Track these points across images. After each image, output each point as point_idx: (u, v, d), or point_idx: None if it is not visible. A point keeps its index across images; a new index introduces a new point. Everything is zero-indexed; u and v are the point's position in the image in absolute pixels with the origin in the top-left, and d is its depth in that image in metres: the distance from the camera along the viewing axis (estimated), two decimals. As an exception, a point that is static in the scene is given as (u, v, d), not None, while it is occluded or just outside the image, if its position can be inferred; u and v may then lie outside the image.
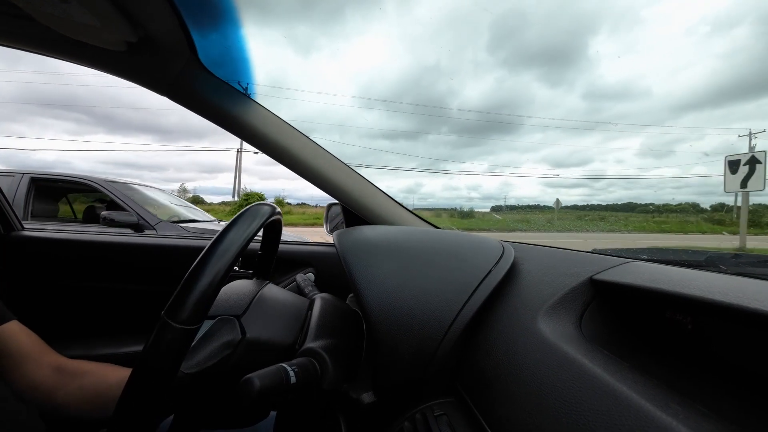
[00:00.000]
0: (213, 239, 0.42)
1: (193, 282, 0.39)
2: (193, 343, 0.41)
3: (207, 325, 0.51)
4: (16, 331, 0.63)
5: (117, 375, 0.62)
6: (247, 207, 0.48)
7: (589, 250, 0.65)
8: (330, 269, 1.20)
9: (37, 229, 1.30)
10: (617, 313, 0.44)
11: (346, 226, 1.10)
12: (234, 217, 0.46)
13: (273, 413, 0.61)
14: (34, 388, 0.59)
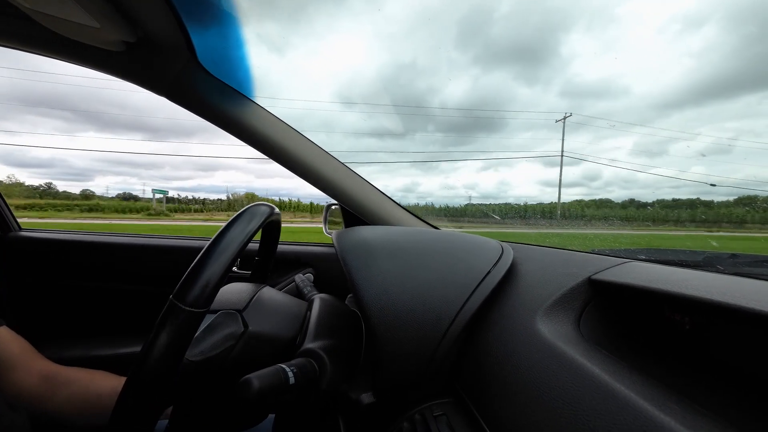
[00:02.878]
0: (216, 234, 0.44)
1: (201, 268, 0.40)
2: (197, 333, 0.41)
3: (209, 319, 0.51)
4: (5, 337, 0.62)
5: (107, 383, 0.61)
6: (248, 206, 0.49)
7: (589, 250, 0.65)
8: (329, 269, 1.20)
9: (34, 230, 1.30)
10: (616, 313, 0.44)
11: (345, 227, 1.10)
12: (236, 215, 0.47)
13: (271, 415, 0.61)
14: (22, 396, 0.58)
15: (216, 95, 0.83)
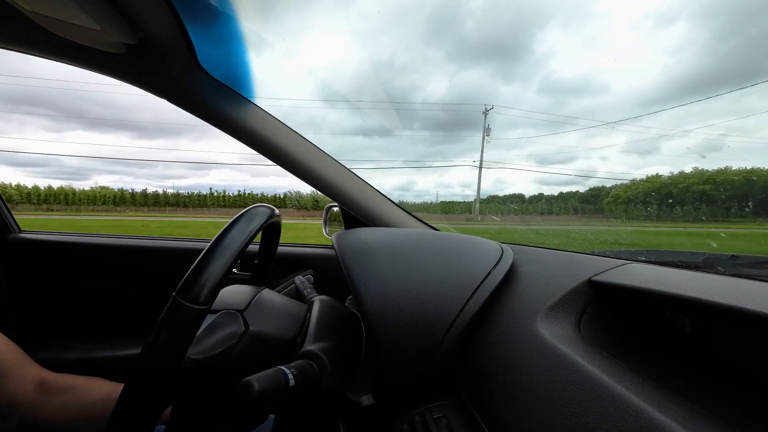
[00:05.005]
0: (217, 234, 0.44)
1: (204, 265, 0.41)
2: (198, 332, 0.42)
3: (210, 318, 0.51)
4: None
5: (102, 390, 0.60)
6: (248, 208, 0.49)
7: (589, 252, 0.65)
8: (329, 271, 1.20)
9: (34, 232, 1.30)
10: (616, 314, 0.44)
11: (345, 228, 1.10)
12: (236, 216, 0.47)
13: (271, 416, 0.61)
14: (15, 404, 0.57)
15: (216, 97, 0.83)
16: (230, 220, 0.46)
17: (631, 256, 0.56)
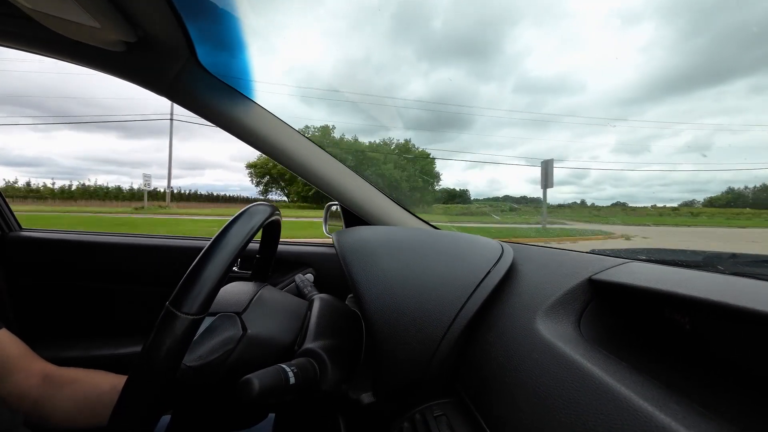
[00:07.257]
0: (215, 235, 0.43)
1: (198, 273, 0.39)
2: (195, 337, 0.42)
3: (208, 321, 0.51)
4: (4, 340, 0.61)
5: (108, 382, 0.61)
6: (248, 207, 0.49)
7: (588, 251, 0.65)
8: (329, 269, 1.20)
9: (35, 230, 1.30)
10: (616, 313, 0.44)
11: (345, 227, 1.10)
12: (235, 215, 0.47)
13: (271, 415, 0.61)
14: (22, 398, 0.58)
15: (216, 95, 0.83)
16: (229, 220, 0.46)
17: (631, 255, 0.56)
